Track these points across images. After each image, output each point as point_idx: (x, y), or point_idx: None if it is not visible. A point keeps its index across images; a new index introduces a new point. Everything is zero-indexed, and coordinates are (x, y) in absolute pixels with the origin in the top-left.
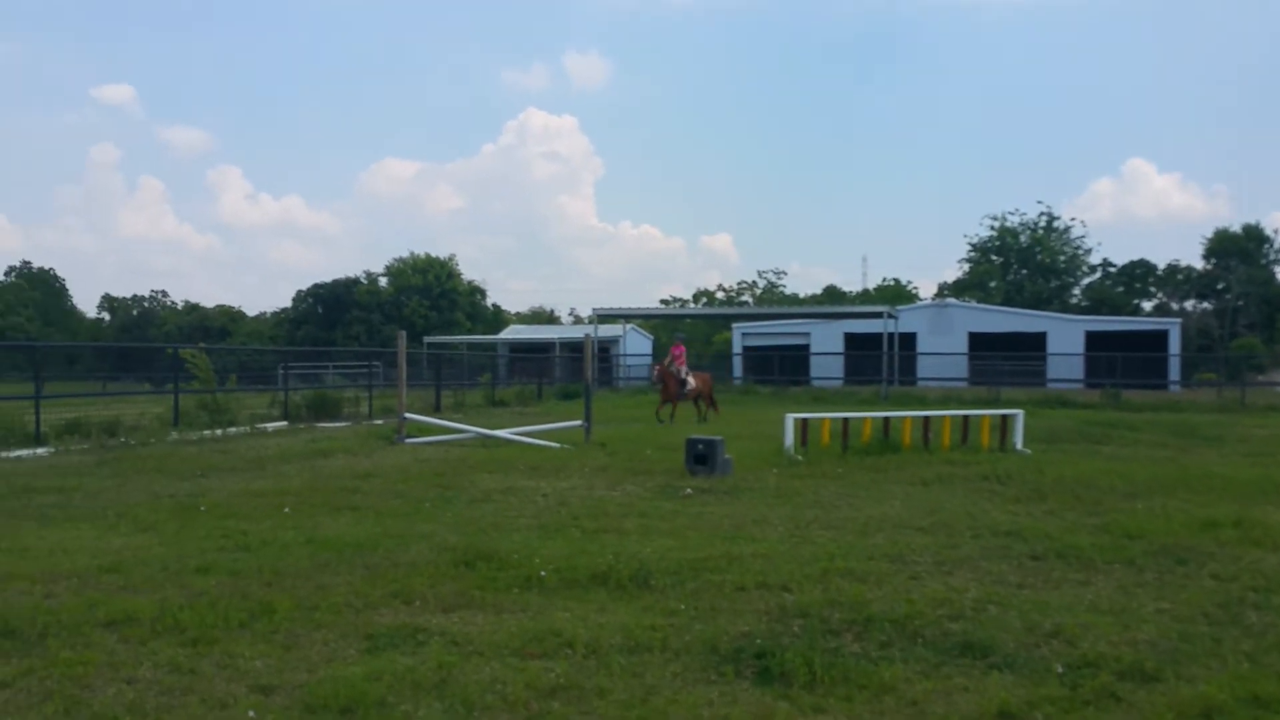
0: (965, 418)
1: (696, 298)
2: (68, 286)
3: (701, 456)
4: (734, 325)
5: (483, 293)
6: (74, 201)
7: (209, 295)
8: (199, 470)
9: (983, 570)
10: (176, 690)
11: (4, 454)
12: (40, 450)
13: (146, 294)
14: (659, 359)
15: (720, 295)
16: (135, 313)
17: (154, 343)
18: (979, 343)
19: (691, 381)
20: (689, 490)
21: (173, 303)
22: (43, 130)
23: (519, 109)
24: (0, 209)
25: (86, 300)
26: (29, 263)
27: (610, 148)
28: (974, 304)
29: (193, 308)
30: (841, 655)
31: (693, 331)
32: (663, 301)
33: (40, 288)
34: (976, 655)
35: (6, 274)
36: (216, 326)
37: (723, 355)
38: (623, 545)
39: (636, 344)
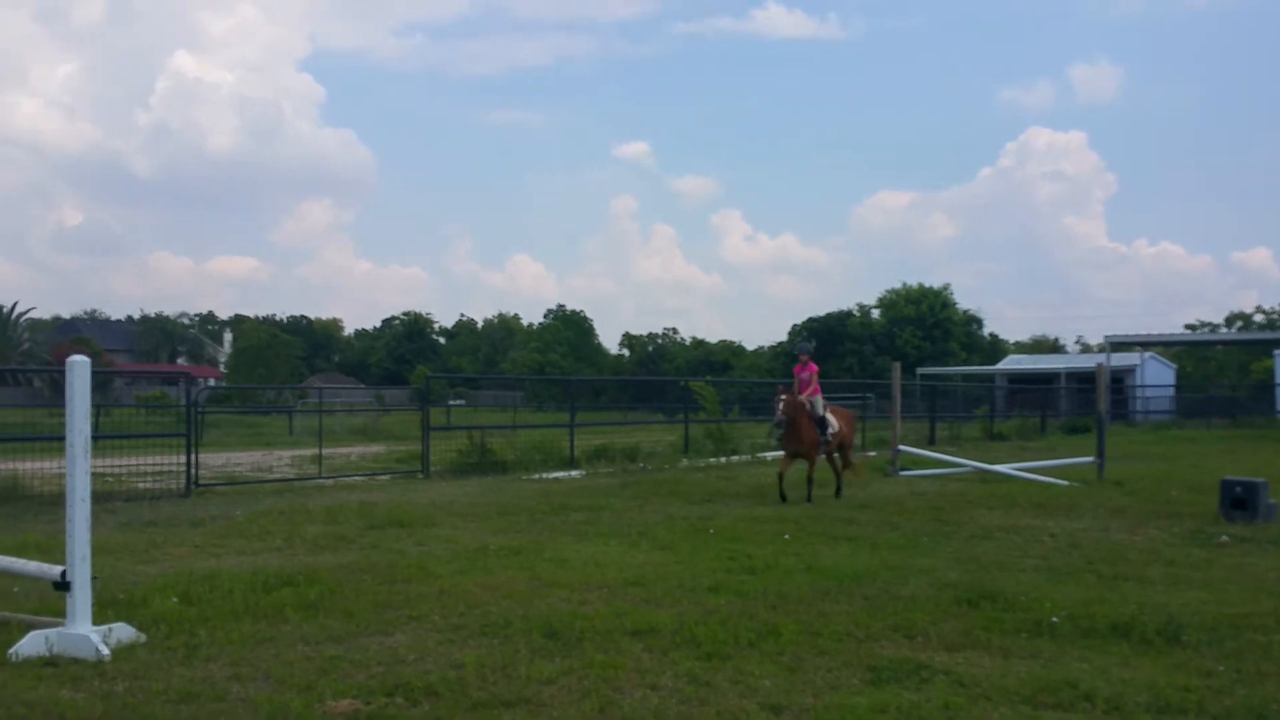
0: None
1: (1229, 321)
2: (594, 326)
3: (1240, 500)
4: (1277, 352)
5: (979, 322)
6: (599, 250)
7: (713, 331)
8: (707, 495)
9: None
10: (694, 700)
11: (545, 475)
12: (574, 472)
13: (660, 331)
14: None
15: (1259, 318)
16: (650, 349)
17: (666, 376)
18: None
19: (833, 422)
20: (1225, 538)
21: (682, 339)
22: (574, 188)
23: (1020, 129)
24: (541, 259)
25: (610, 338)
26: (563, 306)
27: (1124, 162)
28: None
29: (699, 343)
30: None
31: (1225, 359)
32: (1188, 326)
33: (572, 328)
34: None
35: (545, 316)
36: (719, 360)
37: (1264, 385)
38: (1146, 595)
39: (1156, 374)
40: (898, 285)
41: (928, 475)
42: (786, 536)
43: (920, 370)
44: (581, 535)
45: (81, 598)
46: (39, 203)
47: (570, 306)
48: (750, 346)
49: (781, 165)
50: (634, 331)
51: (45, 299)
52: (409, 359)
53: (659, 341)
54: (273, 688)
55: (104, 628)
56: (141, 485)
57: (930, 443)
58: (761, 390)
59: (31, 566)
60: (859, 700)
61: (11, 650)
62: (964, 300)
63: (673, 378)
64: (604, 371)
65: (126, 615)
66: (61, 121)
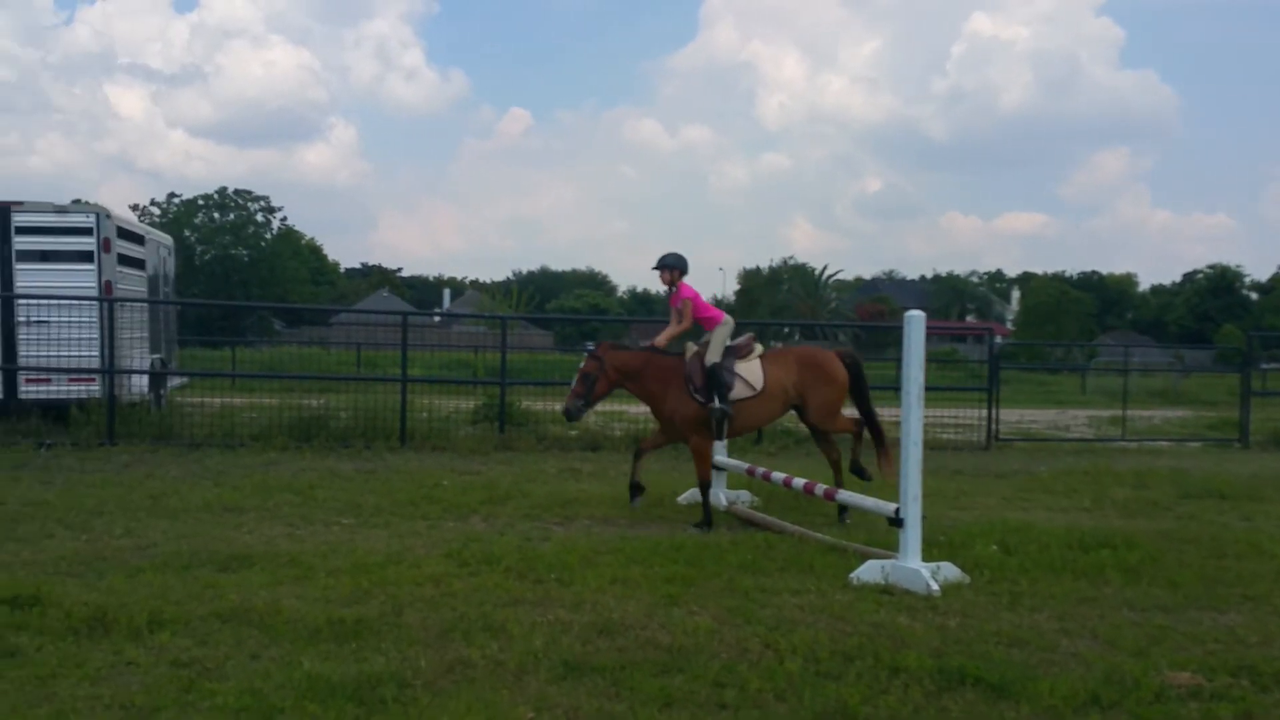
0: None
1: None
2: None
3: None
4: None
5: None
6: None
7: None
8: None
9: None
10: None
11: None
12: None
13: None
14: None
15: None
16: None
17: None
18: None
19: (749, 379)
20: None
21: None
22: None
23: None
24: None
25: None
26: None
27: None
28: None
29: None
30: None
31: None
32: None
33: None
34: None
35: None
36: None
37: None
38: None
39: None
40: None
41: None
42: None
43: None
44: None
45: (912, 535)
46: (844, 172)
47: None
48: None
49: None
50: None
51: (849, 261)
52: (1213, 317)
53: None
54: (1101, 647)
55: (932, 565)
56: (944, 436)
57: None
58: None
59: (869, 502)
60: None
61: (852, 575)
62: None
63: None
64: None
65: (948, 556)
66: (864, 95)
